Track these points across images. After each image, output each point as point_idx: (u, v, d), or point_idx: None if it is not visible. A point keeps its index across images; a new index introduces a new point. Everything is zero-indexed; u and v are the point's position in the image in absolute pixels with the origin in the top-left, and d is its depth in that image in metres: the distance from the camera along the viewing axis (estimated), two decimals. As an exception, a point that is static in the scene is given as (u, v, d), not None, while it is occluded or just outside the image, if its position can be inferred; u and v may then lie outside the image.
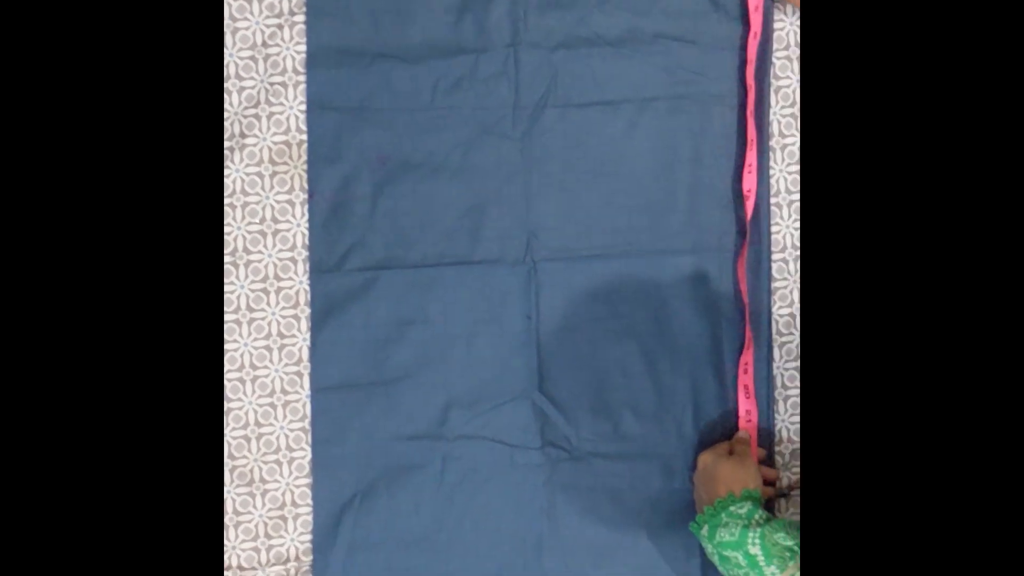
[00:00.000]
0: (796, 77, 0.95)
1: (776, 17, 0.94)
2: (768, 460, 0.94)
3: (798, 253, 0.95)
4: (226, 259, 0.92)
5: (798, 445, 0.94)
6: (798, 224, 0.95)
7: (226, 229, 0.92)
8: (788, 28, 0.95)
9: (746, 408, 0.93)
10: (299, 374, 0.93)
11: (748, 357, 0.93)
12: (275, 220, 0.93)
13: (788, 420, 0.95)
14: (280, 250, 0.93)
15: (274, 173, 0.93)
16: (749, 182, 0.93)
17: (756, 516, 0.81)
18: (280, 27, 0.93)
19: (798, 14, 0.93)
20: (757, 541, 0.79)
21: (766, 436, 0.94)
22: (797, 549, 0.77)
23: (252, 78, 0.93)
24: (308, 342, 0.93)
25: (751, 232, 0.94)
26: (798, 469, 0.94)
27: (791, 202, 0.95)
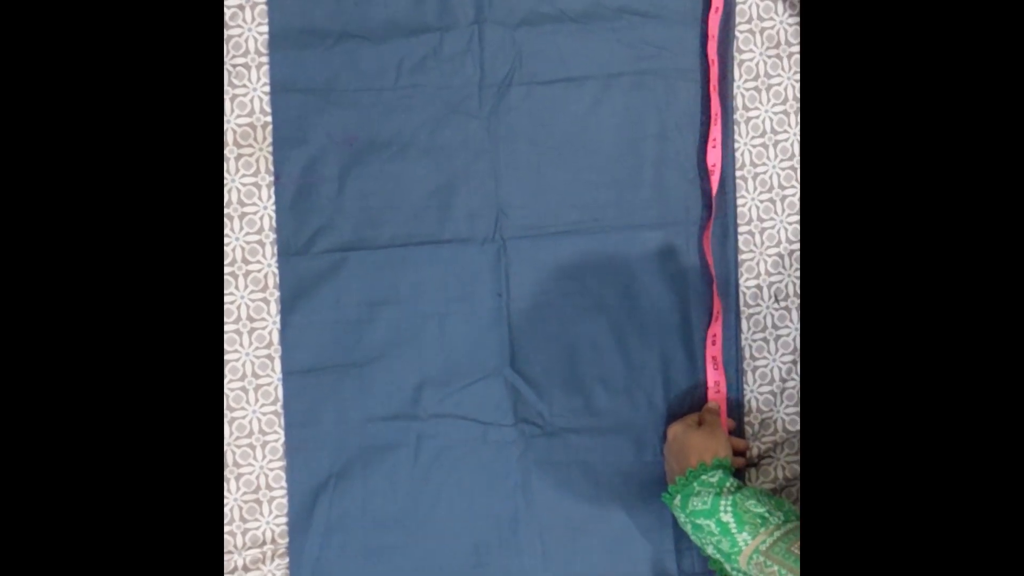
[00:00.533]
0: (759, 50, 0.95)
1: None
2: (738, 431, 0.95)
3: (764, 225, 0.96)
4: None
5: (767, 415, 0.96)
6: (763, 196, 0.96)
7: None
8: (750, 0, 0.95)
9: (715, 379, 0.94)
10: (270, 357, 0.93)
11: (716, 329, 0.94)
12: (241, 203, 0.93)
13: (757, 391, 0.96)
14: (247, 233, 0.93)
15: (239, 156, 0.93)
16: (713, 157, 0.94)
17: (727, 484, 0.82)
18: (241, 8, 0.92)
19: None
20: (729, 509, 0.80)
21: (735, 407, 0.95)
22: (768, 516, 0.78)
23: (214, 60, 0.92)
24: (278, 325, 0.93)
25: (717, 205, 0.95)
26: (768, 439, 0.95)
27: (756, 175, 0.96)
